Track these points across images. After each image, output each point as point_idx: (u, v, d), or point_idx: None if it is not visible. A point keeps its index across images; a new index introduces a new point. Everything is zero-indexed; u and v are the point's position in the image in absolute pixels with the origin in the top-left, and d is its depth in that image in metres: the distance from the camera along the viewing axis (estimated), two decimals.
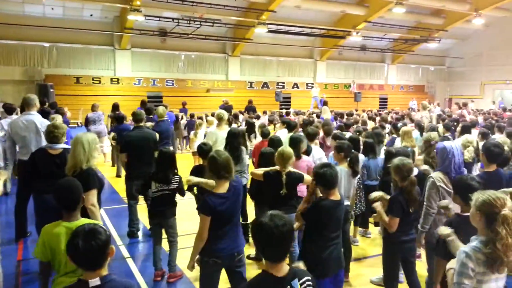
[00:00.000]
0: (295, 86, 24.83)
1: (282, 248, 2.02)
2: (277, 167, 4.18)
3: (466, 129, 6.85)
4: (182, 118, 13.74)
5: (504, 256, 2.17)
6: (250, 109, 15.52)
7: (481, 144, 5.99)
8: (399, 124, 9.12)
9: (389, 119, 12.82)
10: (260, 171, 4.34)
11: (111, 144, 10.07)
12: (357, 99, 22.85)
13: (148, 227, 5.60)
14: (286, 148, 4.23)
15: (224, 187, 3.26)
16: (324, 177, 3.26)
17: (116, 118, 9.12)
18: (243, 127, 9.67)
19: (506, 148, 4.75)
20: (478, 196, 2.34)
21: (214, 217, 3.16)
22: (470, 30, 25.42)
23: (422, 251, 4.48)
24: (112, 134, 9.21)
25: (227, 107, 13.95)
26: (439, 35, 24.35)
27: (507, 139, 6.04)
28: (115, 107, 10.48)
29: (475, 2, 21.04)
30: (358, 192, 5.32)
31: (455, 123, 9.58)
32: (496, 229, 2.19)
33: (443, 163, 3.84)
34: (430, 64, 29.43)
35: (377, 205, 3.75)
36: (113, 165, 10.49)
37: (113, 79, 20.18)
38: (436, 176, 3.76)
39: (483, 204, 2.28)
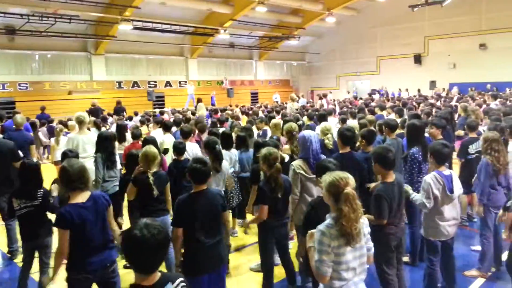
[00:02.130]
0: (168, 84, 24.34)
1: (158, 257, 1.93)
2: (141, 168, 4.07)
3: (322, 117, 7.51)
4: (42, 125, 12.34)
5: (350, 229, 2.39)
6: (119, 110, 14.71)
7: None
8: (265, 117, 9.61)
9: (260, 113, 13.44)
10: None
11: None
12: (230, 95, 23.47)
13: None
14: (150, 148, 4.16)
15: (82, 197, 3.00)
16: (197, 173, 3.24)
17: None
18: (112, 129, 9.10)
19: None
20: (325, 178, 2.55)
21: (75, 230, 2.89)
22: (324, 28, 28.05)
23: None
24: None
25: (94, 110, 12.99)
26: (298, 33, 26.34)
27: (357, 124, 6.85)
28: None
29: (327, 2, 23.24)
30: (234, 185, 5.45)
31: (317, 113, 10.45)
32: (340, 207, 2.41)
33: (303, 150, 4.17)
34: (293, 60, 31.75)
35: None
36: None
37: None
38: (296, 164, 4.05)
39: (330, 184, 2.49)
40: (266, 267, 4.06)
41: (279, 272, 4.33)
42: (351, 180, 2.50)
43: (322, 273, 2.43)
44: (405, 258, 4.72)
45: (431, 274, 3.91)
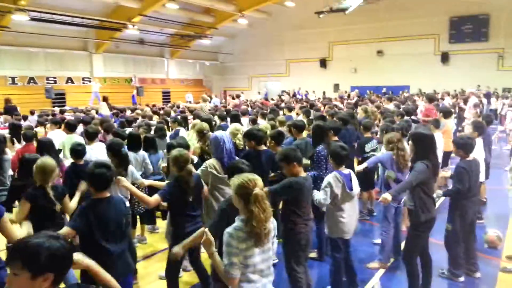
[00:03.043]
0: (70, 81, 22.56)
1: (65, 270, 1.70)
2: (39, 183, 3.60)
3: (234, 118, 7.52)
4: None
5: (260, 230, 2.39)
6: (10, 109, 13.23)
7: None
8: (179, 117, 9.37)
9: (172, 113, 13.08)
10: None
11: None
12: (140, 94, 22.53)
13: None
14: (46, 160, 3.66)
15: None
16: (100, 178, 2.99)
17: None
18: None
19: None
20: (234, 181, 2.52)
21: None
22: (237, 29, 28.31)
23: None
24: None
25: (8, 108, 11.54)
26: (211, 33, 26.25)
27: (268, 124, 6.98)
28: None
29: (239, 3, 23.50)
30: (141, 190, 5.17)
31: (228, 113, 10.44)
32: (250, 208, 2.40)
33: (216, 151, 4.11)
34: (206, 59, 31.52)
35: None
36: None
37: None
38: (209, 163, 3.99)
39: (239, 187, 2.47)
40: (171, 274, 3.89)
41: (193, 278, 4.22)
42: (259, 181, 2.51)
43: (233, 276, 2.40)
44: (312, 254, 4.91)
45: (336, 269, 4.10)
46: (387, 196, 3.86)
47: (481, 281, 4.44)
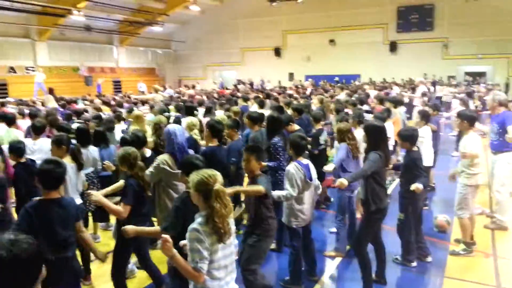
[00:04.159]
0: (12, 70, 21.13)
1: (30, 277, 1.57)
2: None
3: (190, 109, 7.35)
4: None
5: (223, 225, 2.37)
6: None
7: (205, 120, 6.62)
8: (134, 108, 9.09)
9: (126, 104, 12.64)
10: None
11: None
12: (88, 83, 21.58)
13: None
14: None
15: None
16: (47, 175, 2.83)
17: None
18: None
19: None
20: (193, 177, 2.47)
21: None
22: (189, 15, 27.65)
23: None
24: None
25: None
26: (162, 19, 25.48)
27: (225, 116, 6.90)
28: None
29: None
30: (92, 186, 4.96)
31: (184, 104, 10.25)
32: (212, 205, 2.37)
33: (168, 145, 4.01)
34: (158, 47, 30.62)
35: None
36: None
37: None
38: (161, 158, 3.87)
39: (198, 183, 2.43)
40: (118, 273, 3.78)
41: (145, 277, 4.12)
42: (219, 177, 2.48)
43: (202, 271, 2.35)
44: (271, 246, 4.94)
45: (295, 259, 4.16)
46: (344, 181, 3.94)
47: (432, 264, 4.68)
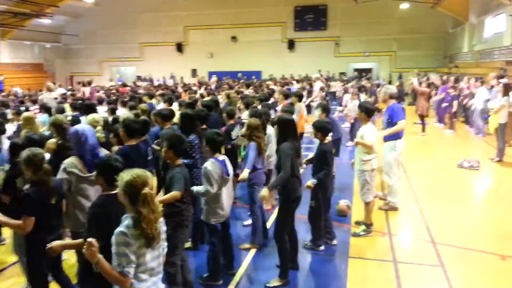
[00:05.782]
0: None
1: None
2: None
3: (89, 108, 6.85)
4: None
5: (151, 231, 2.29)
6: None
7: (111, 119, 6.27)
8: (22, 109, 8.27)
9: (11, 103, 11.39)
10: None
11: None
12: None
13: None
14: None
15: None
16: None
17: None
18: None
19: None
20: (122, 177, 2.36)
21: None
22: (82, 8, 25.73)
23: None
24: None
25: None
26: (51, 11, 23.34)
27: (131, 113, 6.60)
28: None
29: None
30: None
31: (82, 102, 9.56)
32: (139, 209, 2.28)
33: (77, 147, 3.70)
34: (46, 41, 28.00)
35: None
36: None
37: None
38: (69, 162, 3.58)
39: (127, 184, 2.32)
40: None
41: None
42: (150, 179, 2.38)
43: (129, 275, 2.25)
44: (187, 244, 4.89)
45: (214, 255, 4.18)
46: (265, 192, 4.12)
47: (338, 247, 5.07)
